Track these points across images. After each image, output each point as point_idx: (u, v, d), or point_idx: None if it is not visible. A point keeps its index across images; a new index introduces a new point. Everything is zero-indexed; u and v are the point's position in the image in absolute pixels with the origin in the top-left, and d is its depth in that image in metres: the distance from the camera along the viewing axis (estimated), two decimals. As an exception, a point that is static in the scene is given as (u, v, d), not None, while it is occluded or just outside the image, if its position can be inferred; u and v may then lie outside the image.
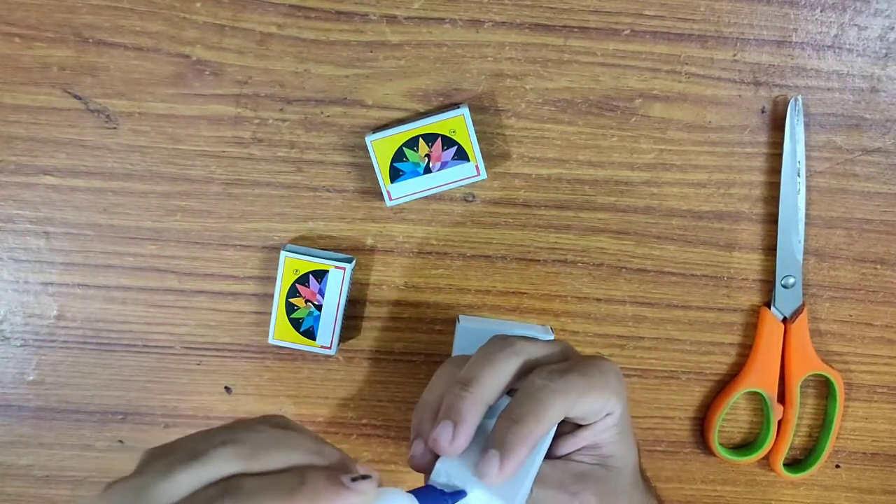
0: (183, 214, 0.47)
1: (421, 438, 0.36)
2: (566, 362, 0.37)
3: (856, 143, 0.48)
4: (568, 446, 0.38)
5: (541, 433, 0.35)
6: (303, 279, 0.47)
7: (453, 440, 0.35)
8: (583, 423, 0.37)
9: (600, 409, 0.37)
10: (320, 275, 0.47)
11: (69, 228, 0.48)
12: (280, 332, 0.47)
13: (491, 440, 0.35)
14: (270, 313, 0.48)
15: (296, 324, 0.47)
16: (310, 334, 0.47)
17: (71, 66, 0.46)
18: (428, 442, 0.35)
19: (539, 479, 0.36)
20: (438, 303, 0.49)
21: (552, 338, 0.46)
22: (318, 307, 0.47)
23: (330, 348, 0.48)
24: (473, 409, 0.35)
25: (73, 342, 0.49)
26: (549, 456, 0.38)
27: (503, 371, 0.36)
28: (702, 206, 0.49)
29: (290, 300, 0.47)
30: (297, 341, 0.48)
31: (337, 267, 0.46)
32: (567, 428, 0.38)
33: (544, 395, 0.35)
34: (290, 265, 0.47)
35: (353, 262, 0.47)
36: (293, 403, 0.50)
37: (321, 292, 0.47)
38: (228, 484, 0.29)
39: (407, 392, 0.50)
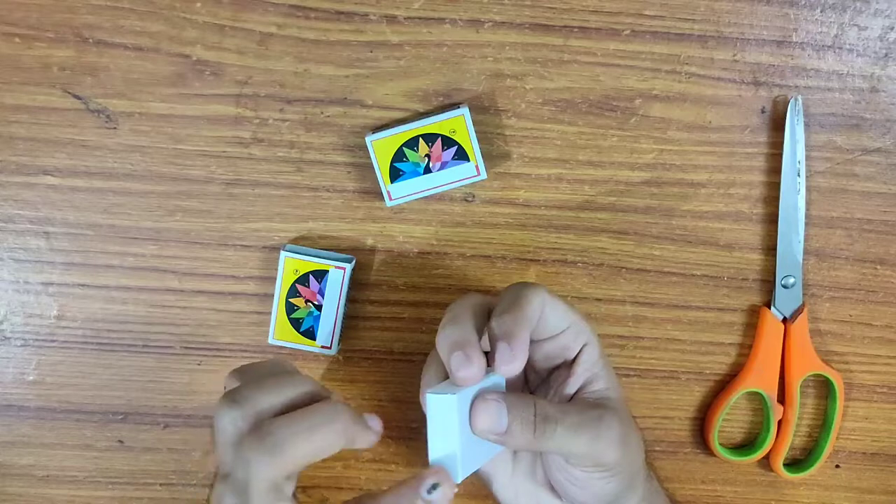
0: (183, 214, 0.48)
1: (461, 350, 0.37)
2: None
3: (856, 143, 0.48)
4: (571, 386, 0.41)
5: (530, 316, 0.38)
6: (303, 279, 0.47)
7: (513, 360, 0.37)
8: (552, 337, 0.41)
9: (563, 317, 0.40)
10: (320, 275, 0.47)
11: (69, 228, 0.48)
12: (280, 333, 0.47)
13: (492, 339, 0.37)
14: (270, 313, 0.48)
15: (296, 324, 0.47)
16: (310, 334, 0.47)
17: (71, 66, 0.46)
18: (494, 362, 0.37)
19: (564, 412, 0.38)
20: (438, 303, 0.49)
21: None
22: (319, 307, 0.47)
23: (330, 348, 0.48)
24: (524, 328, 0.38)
25: (73, 342, 0.49)
26: (561, 402, 0.41)
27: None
28: (702, 206, 0.49)
29: (290, 300, 0.47)
30: (297, 341, 0.48)
31: (337, 267, 0.46)
32: (562, 374, 0.42)
33: (524, 289, 0.39)
34: (291, 265, 0.46)
35: (353, 262, 0.47)
36: (293, 403, 0.50)
37: (321, 292, 0.47)
38: None
39: (407, 392, 0.50)
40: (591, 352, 0.41)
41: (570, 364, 0.41)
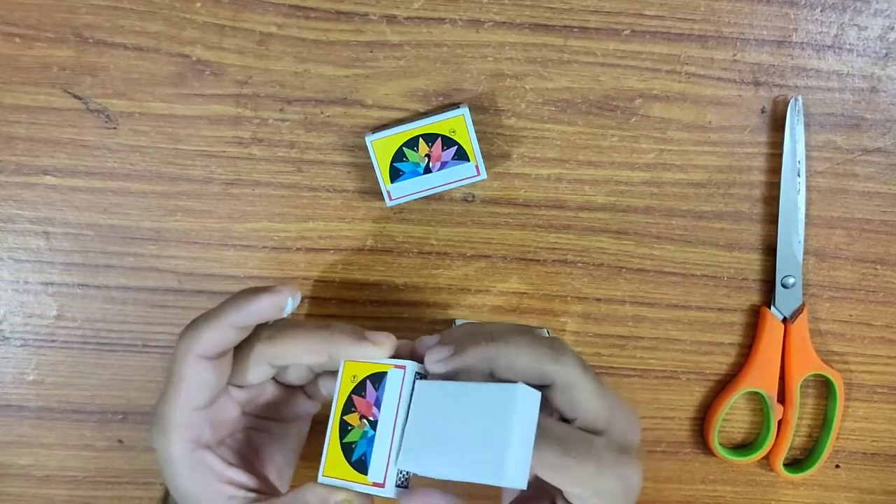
0: (183, 214, 0.48)
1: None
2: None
3: (856, 143, 0.48)
4: None
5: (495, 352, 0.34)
6: (359, 387, 0.36)
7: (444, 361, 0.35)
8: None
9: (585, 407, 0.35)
10: (379, 379, 0.36)
11: (69, 228, 0.48)
12: (331, 466, 0.35)
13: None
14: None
15: (347, 451, 0.35)
16: (362, 466, 0.35)
17: (71, 66, 0.46)
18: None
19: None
20: (438, 303, 0.49)
21: None
22: (374, 425, 0.35)
23: (383, 486, 0.34)
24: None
25: (73, 342, 0.49)
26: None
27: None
28: (702, 206, 0.49)
29: (345, 418, 0.36)
30: (345, 477, 0.35)
31: (397, 367, 0.35)
32: None
33: (547, 349, 0.35)
34: (350, 371, 0.37)
35: (417, 368, 0.35)
36: (293, 403, 0.50)
37: (378, 403, 0.35)
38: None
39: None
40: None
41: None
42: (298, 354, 0.38)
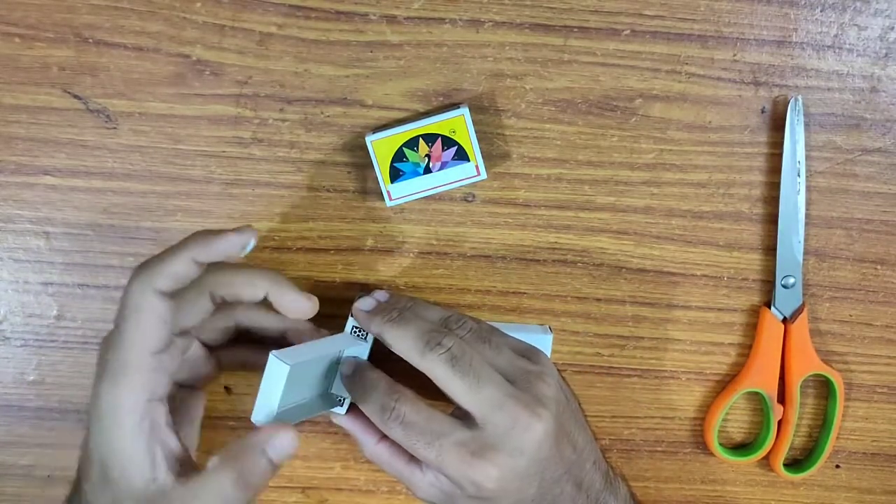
0: (183, 214, 0.48)
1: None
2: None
3: (856, 143, 0.48)
4: None
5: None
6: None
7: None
8: None
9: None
10: None
11: (69, 228, 0.48)
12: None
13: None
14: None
15: None
16: None
17: (71, 66, 0.46)
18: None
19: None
20: (438, 303, 0.49)
21: (551, 337, 0.46)
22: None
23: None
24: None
25: (73, 342, 0.49)
26: None
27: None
28: (702, 206, 0.49)
29: None
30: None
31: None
32: None
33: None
34: None
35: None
36: (293, 403, 0.50)
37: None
38: None
39: (407, 392, 0.50)
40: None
41: None
42: (241, 285, 0.41)
